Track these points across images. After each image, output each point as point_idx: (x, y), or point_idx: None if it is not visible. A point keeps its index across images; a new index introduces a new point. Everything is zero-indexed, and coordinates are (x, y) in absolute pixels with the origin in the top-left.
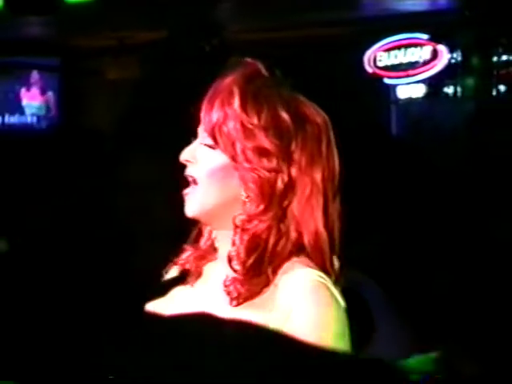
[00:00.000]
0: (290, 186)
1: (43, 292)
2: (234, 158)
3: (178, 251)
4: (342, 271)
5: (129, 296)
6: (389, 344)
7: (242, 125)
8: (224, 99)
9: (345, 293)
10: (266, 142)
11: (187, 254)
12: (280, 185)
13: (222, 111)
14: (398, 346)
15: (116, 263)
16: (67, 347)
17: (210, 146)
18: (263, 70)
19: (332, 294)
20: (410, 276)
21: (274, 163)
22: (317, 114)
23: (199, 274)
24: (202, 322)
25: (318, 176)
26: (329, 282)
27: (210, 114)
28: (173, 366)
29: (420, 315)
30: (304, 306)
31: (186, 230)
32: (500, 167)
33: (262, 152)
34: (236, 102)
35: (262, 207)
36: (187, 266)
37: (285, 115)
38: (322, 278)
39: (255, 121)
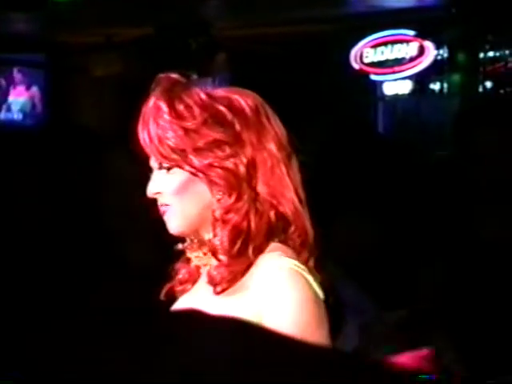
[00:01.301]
0: (251, 165)
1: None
2: (190, 165)
3: (171, 272)
4: (318, 244)
5: (116, 292)
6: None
7: (182, 129)
8: (154, 116)
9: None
10: (212, 134)
11: (183, 270)
12: (242, 168)
13: (158, 128)
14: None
15: (102, 261)
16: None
17: (166, 168)
18: (180, 78)
19: (307, 282)
20: (394, 272)
21: (227, 150)
22: (245, 95)
23: (194, 281)
24: (190, 318)
25: (271, 147)
26: (305, 271)
27: (149, 137)
28: (163, 365)
29: (409, 314)
30: (279, 293)
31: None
32: (486, 164)
33: (212, 145)
34: (166, 112)
35: (234, 196)
36: (180, 276)
37: (216, 105)
38: (297, 266)
39: (191, 120)
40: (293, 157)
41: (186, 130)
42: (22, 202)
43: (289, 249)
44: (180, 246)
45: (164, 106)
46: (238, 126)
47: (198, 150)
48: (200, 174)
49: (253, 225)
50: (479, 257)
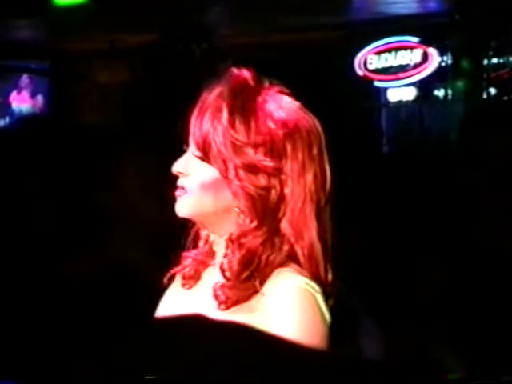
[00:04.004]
0: (283, 198)
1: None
2: (224, 174)
3: (178, 259)
4: (336, 283)
5: (116, 296)
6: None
7: (231, 141)
8: (212, 113)
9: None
10: (255, 159)
11: (188, 261)
12: (272, 200)
13: (211, 126)
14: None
15: (100, 260)
16: (58, 348)
17: (201, 158)
18: (250, 80)
19: (317, 304)
20: (394, 278)
21: (264, 180)
22: (307, 119)
23: (198, 278)
24: (195, 323)
25: (310, 183)
26: (317, 292)
27: (199, 128)
28: (164, 367)
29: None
30: (287, 311)
31: (174, 232)
32: (490, 170)
33: (251, 169)
34: (224, 118)
35: (255, 223)
36: (187, 271)
37: (273, 127)
38: (309, 285)
39: (244, 137)
40: (330, 194)
41: (234, 144)
42: (23, 203)
43: (305, 270)
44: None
45: (225, 110)
46: (284, 157)
47: (236, 167)
48: (230, 186)
49: (264, 257)
50: (480, 258)
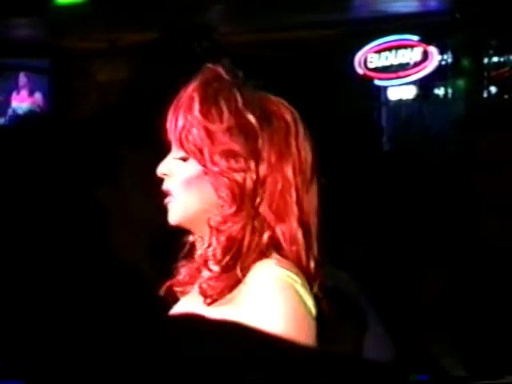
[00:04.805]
0: (260, 183)
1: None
2: (203, 165)
3: (174, 270)
4: (321, 269)
5: (112, 297)
6: (379, 344)
7: (206, 130)
8: (185, 107)
9: (335, 294)
10: (231, 144)
11: (184, 271)
12: (249, 184)
13: (186, 120)
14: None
15: (99, 260)
16: (58, 349)
17: (181, 159)
18: (224, 74)
19: (298, 295)
20: (397, 277)
21: (241, 163)
22: (283, 109)
23: (193, 284)
24: (185, 321)
25: (288, 171)
26: (297, 283)
27: (175, 124)
28: (158, 366)
29: (406, 317)
30: (266, 302)
31: (169, 232)
32: (490, 168)
33: (228, 154)
34: (196, 108)
35: (234, 208)
36: (181, 278)
37: (248, 114)
38: (288, 277)
39: (217, 124)
40: (312, 183)
41: (209, 132)
42: (23, 203)
43: (287, 260)
44: (191, 238)
45: (197, 101)
46: (261, 142)
47: (213, 154)
48: (209, 177)
49: (246, 241)
50: (481, 258)
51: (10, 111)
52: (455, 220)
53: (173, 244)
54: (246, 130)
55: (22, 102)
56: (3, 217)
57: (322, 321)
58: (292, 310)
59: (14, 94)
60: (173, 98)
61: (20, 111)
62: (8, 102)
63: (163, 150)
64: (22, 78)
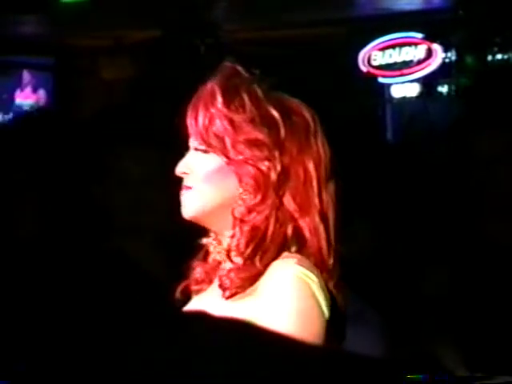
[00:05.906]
0: (284, 174)
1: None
2: (226, 155)
3: (188, 269)
4: (339, 267)
5: (119, 292)
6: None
7: (229, 121)
8: (207, 102)
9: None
10: (254, 133)
11: (199, 270)
12: (274, 174)
13: (207, 113)
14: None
15: (103, 256)
16: (61, 347)
17: (202, 151)
18: (242, 72)
19: (312, 293)
20: (398, 275)
21: (265, 152)
22: (303, 108)
23: (210, 281)
24: (197, 320)
25: (309, 164)
26: (313, 282)
27: (195, 119)
28: (168, 365)
29: (409, 317)
30: (280, 298)
31: (178, 229)
32: (492, 166)
33: (252, 143)
34: (219, 101)
35: (259, 197)
36: (198, 276)
37: (269, 107)
38: (305, 275)
39: (241, 114)
40: (331, 180)
41: (232, 122)
42: (23, 203)
43: (306, 259)
44: (204, 240)
45: (219, 94)
46: (283, 133)
47: (237, 144)
48: (233, 167)
49: (269, 232)
50: (482, 257)
51: (13, 108)
52: (457, 218)
53: (184, 245)
54: (268, 122)
55: (25, 100)
56: (7, 214)
57: (334, 323)
58: (304, 309)
59: (18, 92)
60: (186, 96)
61: (24, 109)
62: (12, 100)
63: (170, 148)
64: (26, 76)
